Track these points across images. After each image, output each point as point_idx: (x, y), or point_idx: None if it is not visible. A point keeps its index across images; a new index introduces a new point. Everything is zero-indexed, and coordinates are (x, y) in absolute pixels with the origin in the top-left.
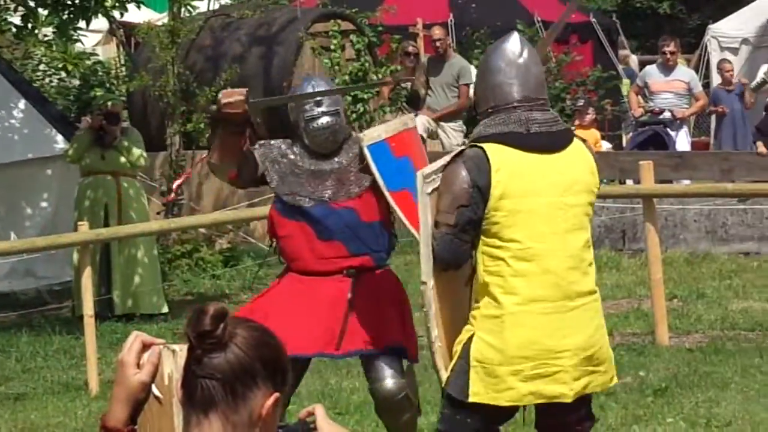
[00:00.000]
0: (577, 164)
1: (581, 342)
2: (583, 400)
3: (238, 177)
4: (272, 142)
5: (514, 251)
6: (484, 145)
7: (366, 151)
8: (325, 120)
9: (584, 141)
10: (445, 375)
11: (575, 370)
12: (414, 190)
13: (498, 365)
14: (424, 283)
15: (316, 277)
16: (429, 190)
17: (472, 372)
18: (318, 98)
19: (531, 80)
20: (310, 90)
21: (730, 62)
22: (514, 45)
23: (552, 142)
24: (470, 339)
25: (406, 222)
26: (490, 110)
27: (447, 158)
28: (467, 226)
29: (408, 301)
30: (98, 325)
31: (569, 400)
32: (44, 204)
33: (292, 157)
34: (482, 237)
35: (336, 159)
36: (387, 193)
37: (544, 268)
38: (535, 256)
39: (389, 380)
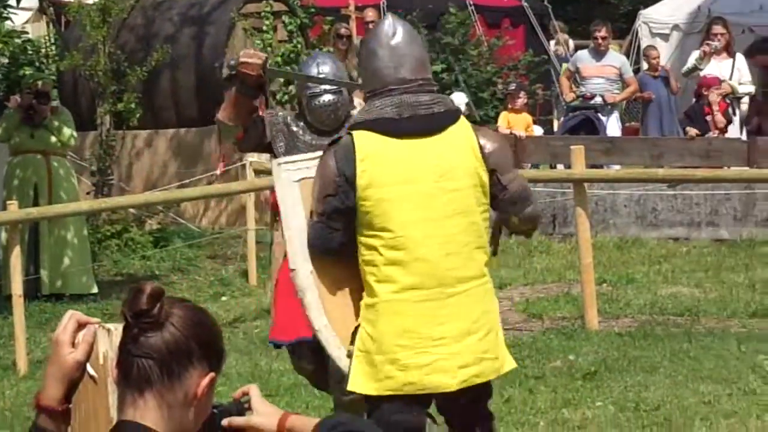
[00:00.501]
0: (457, 147)
1: (462, 328)
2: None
3: (244, 140)
4: (279, 112)
5: (386, 240)
6: (354, 133)
7: None
8: (327, 98)
9: (482, 125)
10: (343, 363)
11: (457, 358)
12: None
13: (375, 354)
14: (293, 270)
15: None
16: (297, 177)
17: (355, 361)
18: (321, 76)
19: (407, 61)
20: (315, 67)
21: (656, 48)
22: (387, 27)
23: (427, 126)
24: (356, 328)
25: None
26: (368, 95)
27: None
28: (334, 214)
29: None
30: (26, 305)
31: (453, 389)
32: None
33: (294, 129)
34: (357, 226)
35: (336, 136)
36: None
37: (416, 256)
38: (408, 244)
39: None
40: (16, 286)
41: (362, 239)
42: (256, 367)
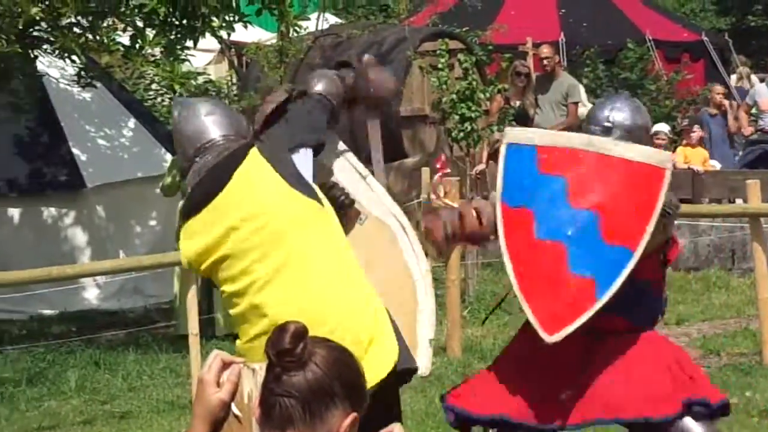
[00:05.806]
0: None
1: None
2: None
3: None
4: None
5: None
6: None
7: (502, 148)
8: None
9: None
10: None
11: None
12: (536, 212)
13: None
14: None
15: None
16: None
17: None
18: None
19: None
20: (606, 110)
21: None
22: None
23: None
24: None
25: (502, 240)
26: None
27: None
28: None
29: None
30: (203, 344)
31: None
32: (153, 222)
33: None
34: None
35: None
36: (498, 203)
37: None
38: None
39: None
40: (193, 326)
41: None
42: (430, 405)
